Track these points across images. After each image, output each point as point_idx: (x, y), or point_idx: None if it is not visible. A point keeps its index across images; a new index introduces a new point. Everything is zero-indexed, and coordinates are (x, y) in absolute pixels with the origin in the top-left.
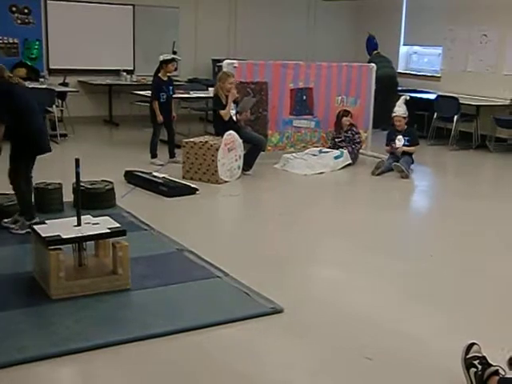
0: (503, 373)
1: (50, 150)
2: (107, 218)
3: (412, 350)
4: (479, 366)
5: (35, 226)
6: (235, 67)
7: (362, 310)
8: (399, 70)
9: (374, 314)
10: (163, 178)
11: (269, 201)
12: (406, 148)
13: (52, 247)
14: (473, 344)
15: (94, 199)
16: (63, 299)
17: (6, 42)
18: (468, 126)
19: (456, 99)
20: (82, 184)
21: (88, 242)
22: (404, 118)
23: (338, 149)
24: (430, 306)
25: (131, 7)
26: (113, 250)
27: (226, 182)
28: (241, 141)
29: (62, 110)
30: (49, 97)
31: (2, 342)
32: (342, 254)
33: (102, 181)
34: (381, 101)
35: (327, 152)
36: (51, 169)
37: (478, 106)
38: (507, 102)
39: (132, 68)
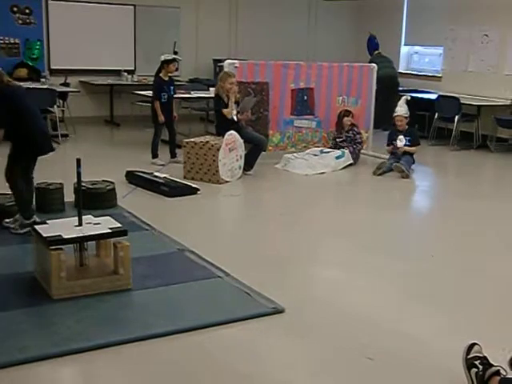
0: (504, 373)
1: (52, 150)
2: (108, 218)
3: (413, 350)
4: (480, 367)
5: (36, 226)
6: (236, 67)
7: (362, 310)
8: (400, 70)
9: (375, 314)
10: (164, 178)
11: (270, 201)
12: (407, 148)
13: (53, 247)
14: (474, 344)
15: (95, 199)
16: (64, 299)
17: (7, 42)
18: (469, 126)
19: (457, 99)
20: (83, 184)
21: (89, 242)
22: (405, 117)
23: (339, 149)
24: (430, 306)
25: (132, 7)
26: (114, 250)
27: (227, 182)
28: (242, 141)
29: (63, 110)
30: (50, 97)
31: (3, 341)
32: (343, 254)
33: (103, 181)
34: (382, 101)
35: (328, 152)
36: (52, 169)
37: (479, 106)
38: (508, 102)
39: (133, 68)
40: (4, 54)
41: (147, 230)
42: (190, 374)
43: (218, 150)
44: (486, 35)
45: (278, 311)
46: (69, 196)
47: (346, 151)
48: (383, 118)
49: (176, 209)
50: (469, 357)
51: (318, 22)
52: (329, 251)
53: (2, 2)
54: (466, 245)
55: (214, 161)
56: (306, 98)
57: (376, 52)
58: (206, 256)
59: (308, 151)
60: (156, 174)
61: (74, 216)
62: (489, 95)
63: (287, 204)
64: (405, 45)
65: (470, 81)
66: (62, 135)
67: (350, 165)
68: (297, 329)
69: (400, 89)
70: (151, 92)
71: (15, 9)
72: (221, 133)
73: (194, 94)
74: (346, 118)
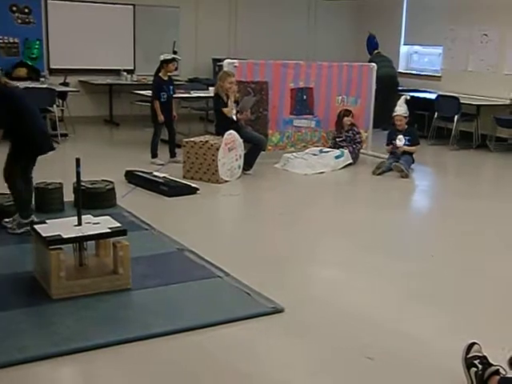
0: (504, 372)
1: (52, 149)
2: (108, 217)
3: (412, 350)
4: (480, 366)
5: (36, 226)
6: (236, 67)
7: (362, 310)
8: (400, 70)
9: (375, 314)
10: (164, 177)
11: (269, 200)
12: (406, 148)
13: (52, 247)
14: (473, 344)
15: (94, 199)
16: (64, 299)
17: (6, 41)
18: (468, 125)
19: (456, 99)
20: (82, 184)
21: (89, 242)
22: (405, 117)
23: (338, 148)
24: (430, 305)
25: (132, 7)
26: (113, 250)
27: (226, 181)
28: (241, 140)
29: (62, 110)
30: (49, 96)
31: (3, 341)
32: (343, 253)
33: (103, 180)
34: (381, 100)
35: (328, 152)
36: (52, 168)
37: (478, 106)
38: (508, 102)
39: (132, 68)
40: (3, 53)
41: (147, 229)
42: (190, 373)
43: (218, 149)
44: (486, 35)
45: (278, 311)
46: (68, 196)
47: (346, 151)
48: (383, 118)
49: (175, 208)
50: (468, 356)
51: (317, 22)
52: (328, 251)
53: (1, 1)
54: (466, 244)
55: (213, 160)
56: (305, 97)
57: (375, 51)
58: (205, 256)
59: (307, 151)
60: (155, 173)
61: (73, 216)
62: (488, 95)
63: (287, 203)
64: (404, 44)
65: (469, 80)
66: (62, 135)
67: (350, 164)
68: (296, 328)
69: (399, 88)
70: (151, 92)
71: (14, 8)
72: (220, 132)
73: (194, 94)
74: (346, 118)
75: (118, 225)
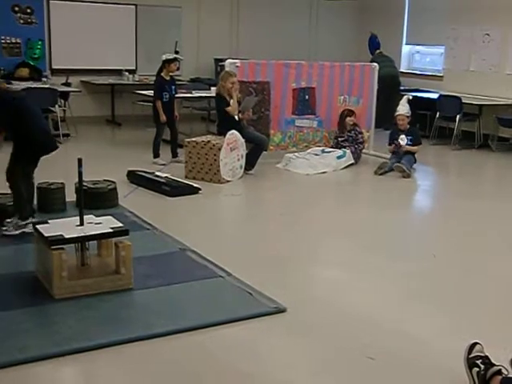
0: (506, 372)
1: (56, 148)
2: (110, 217)
3: (414, 350)
4: (482, 366)
5: (38, 226)
6: (237, 67)
7: (364, 310)
8: (401, 70)
9: (376, 314)
10: (166, 177)
11: (271, 200)
12: (408, 147)
13: (55, 247)
14: (475, 344)
15: (96, 199)
16: (66, 299)
17: (8, 41)
18: (470, 125)
19: (458, 98)
20: (84, 184)
21: (91, 242)
22: (407, 117)
23: (340, 148)
24: (432, 305)
25: (133, 7)
26: (115, 250)
27: (228, 181)
28: (243, 140)
29: (64, 110)
30: (51, 97)
31: (4, 341)
32: (345, 253)
33: (105, 180)
34: (383, 100)
35: (330, 152)
36: (54, 168)
37: (480, 106)
38: (510, 102)
39: (134, 68)
40: (6, 53)
41: (148, 229)
42: (192, 373)
43: (220, 149)
44: (488, 34)
45: (280, 311)
46: (70, 196)
47: (348, 151)
48: (385, 118)
49: (177, 208)
50: (470, 356)
51: (319, 22)
52: (330, 251)
53: (3, 1)
54: (468, 245)
55: (215, 160)
56: (307, 97)
57: (377, 51)
58: (207, 255)
59: (309, 151)
60: (157, 173)
61: (75, 216)
62: (490, 94)
63: (288, 204)
64: (406, 44)
65: (471, 80)
66: (64, 135)
67: (352, 164)
68: (298, 328)
69: (401, 88)
70: (152, 91)
71: (16, 8)
72: (222, 132)
73: (196, 94)
74: (348, 118)
75: (120, 225)
